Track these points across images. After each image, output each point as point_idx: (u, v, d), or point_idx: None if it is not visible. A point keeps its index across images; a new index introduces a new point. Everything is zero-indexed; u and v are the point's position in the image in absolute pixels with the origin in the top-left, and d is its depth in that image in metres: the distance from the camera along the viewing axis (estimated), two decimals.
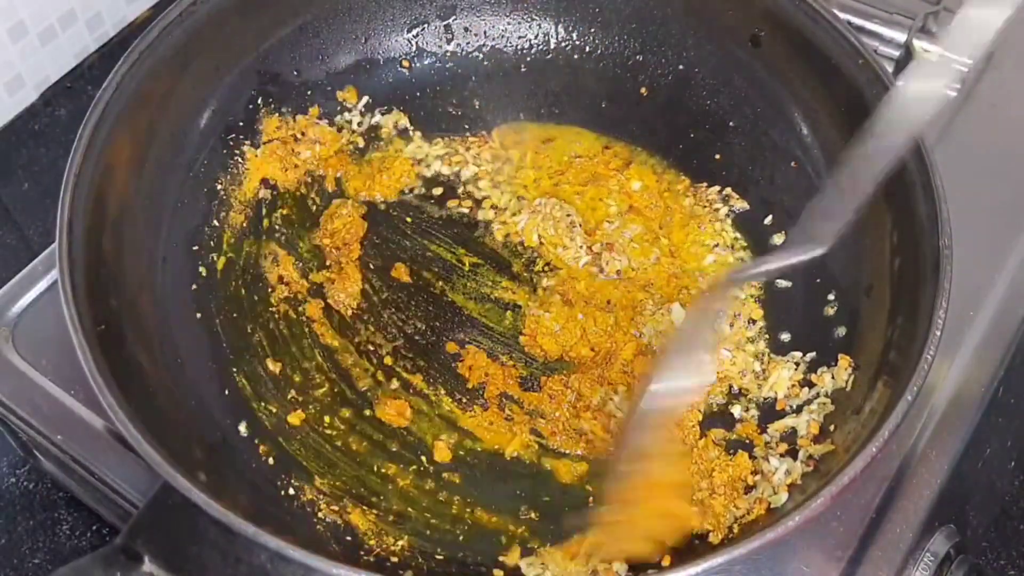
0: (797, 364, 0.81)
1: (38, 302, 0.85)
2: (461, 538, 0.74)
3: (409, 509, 0.75)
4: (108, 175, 0.76)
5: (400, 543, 0.73)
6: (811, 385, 0.79)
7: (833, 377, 0.77)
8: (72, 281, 0.69)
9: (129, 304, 0.75)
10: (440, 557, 0.72)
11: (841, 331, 0.81)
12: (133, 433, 0.63)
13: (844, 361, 0.77)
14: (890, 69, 1.00)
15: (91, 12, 1.01)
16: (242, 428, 0.77)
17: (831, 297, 0.83)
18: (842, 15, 0.86)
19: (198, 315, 0.82)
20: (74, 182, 0.72)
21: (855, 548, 0.73)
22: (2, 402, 0.79)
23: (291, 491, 0.74)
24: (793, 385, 0.79)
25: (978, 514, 0.92)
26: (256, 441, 0.77)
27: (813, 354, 0.81)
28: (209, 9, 0.84)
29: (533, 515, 0.75)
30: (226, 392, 0.79)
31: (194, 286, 0.83)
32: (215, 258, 0.85)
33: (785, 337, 0.83)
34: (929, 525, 0.76)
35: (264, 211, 0.89)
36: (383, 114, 0.95)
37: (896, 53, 1.02)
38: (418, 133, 0.95)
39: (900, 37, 1.02)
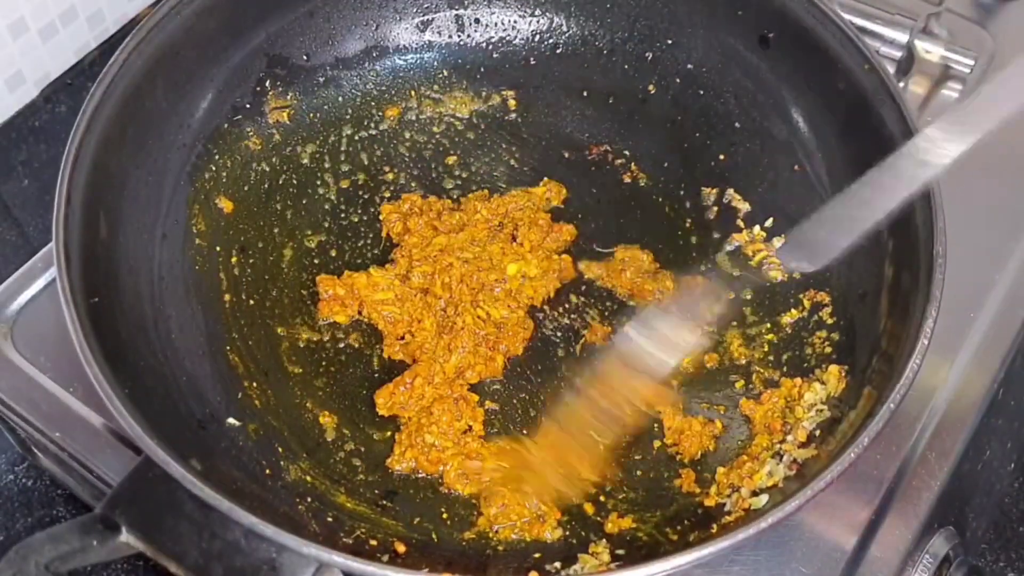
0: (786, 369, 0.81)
1: (37, 299, 0.85)
2: (446, 519, 0.74)
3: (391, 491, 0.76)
4: (109, 151, 0.76)
5: (382, 526, 0.73)
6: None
7: (824, 384, 0.77)
8: (67, 253, 0.69)
9: (125, 278, 0.76)
10: (420, 540, 0.73)
11: (835, 337, 0.81)
12: (117, 405, 0.63)
13: (835, 368, 0.77)
14: (891, 70, 1.00)
15: (92, 9, 1.01)
16: (231, 407, 0.77)
17: (826, 303, 0.83)
18: (845, 16, 0.85)
19: (195, 291, 0.82)
20: (75, 154, 0.73)
21: (854, 549, 0.73)
22: (1, 399, 0.79)
23: (276, 471, 0.74)
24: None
25: (977, 516, 0.92)
26: (244, 420, 0.77)
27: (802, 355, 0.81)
28: None
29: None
30: (218, 369, 0.79)
31: (196, 265, 0.84)
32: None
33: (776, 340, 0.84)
34: (928, 527, 0.76)
35: (268, 188, 0.90)
36: None
37: (898, 54, 1.02)
38: None
39: (902, 38, 1.02)
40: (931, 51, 1.02)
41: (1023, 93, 0.72)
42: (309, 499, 0.73)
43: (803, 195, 0.88)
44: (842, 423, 0.72)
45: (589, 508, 0.75)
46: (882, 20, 1.03)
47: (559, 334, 0.85)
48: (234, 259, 0.86)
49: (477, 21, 0.99)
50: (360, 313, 0.84)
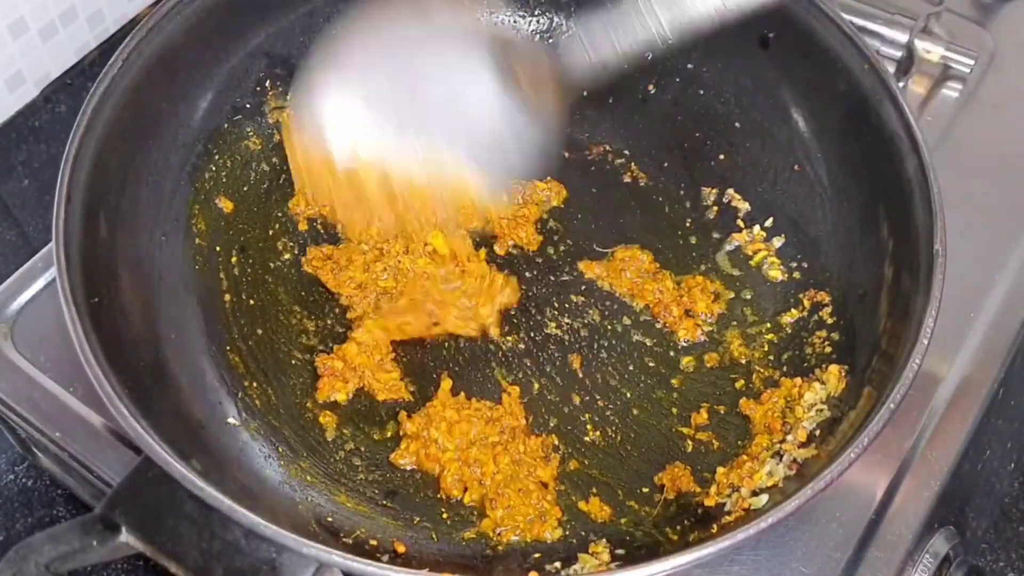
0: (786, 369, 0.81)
1: (37, 299, 0.85)
2: (446, 519, 0.74)
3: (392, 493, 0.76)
4: (109, 151, 0.76)
5: (382, 526, 0.73)
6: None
7: (824, 384, 0.77)
8: (67, 253, 0.69)
9: (125, 278, 0.76)
10: (420, 539, 0.73)
11: (835, 337, 0.81)
12: (117, 405, 0.63)
13: (835, 367, 0.77)
14: (891, 70, 1.00)
15: (92, 9, 1.01)
16: (231, 407, 0.77)
17: (826, 303, 0.83)
18: (845, 15, 0.85)
19: (195, 291, 0.82)
20: (75, 154, 0.73)
21: (854, 549, 0.73)
22: (1, 399, 0.79)
23: (276, 470, 0.74)
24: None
25: (978, 516, 0.92)
26: (244, 420, 0.77)
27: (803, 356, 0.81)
28: None
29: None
30: (218, 369, 0.79)
31: (196, 265, 0.84)
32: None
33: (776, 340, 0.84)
34: (928, 526, 0.76)
35: (268, 188, 0.90)
36: None
37: (898, 54, 1.02)
38: None
39: (902, 38, 1.02)
40: (931, 51, 1.02)
41: None
42: (309, 499, 0.73)
43: (803, 195, 0.88)
44: (842, 423, 0.72)
45: (588, 507, 0.75)
46: (882, 20, 1.03)
47: (559, 334, 0.85)
48: (234, 259, 0.86)
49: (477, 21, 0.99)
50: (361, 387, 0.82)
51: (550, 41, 0.99)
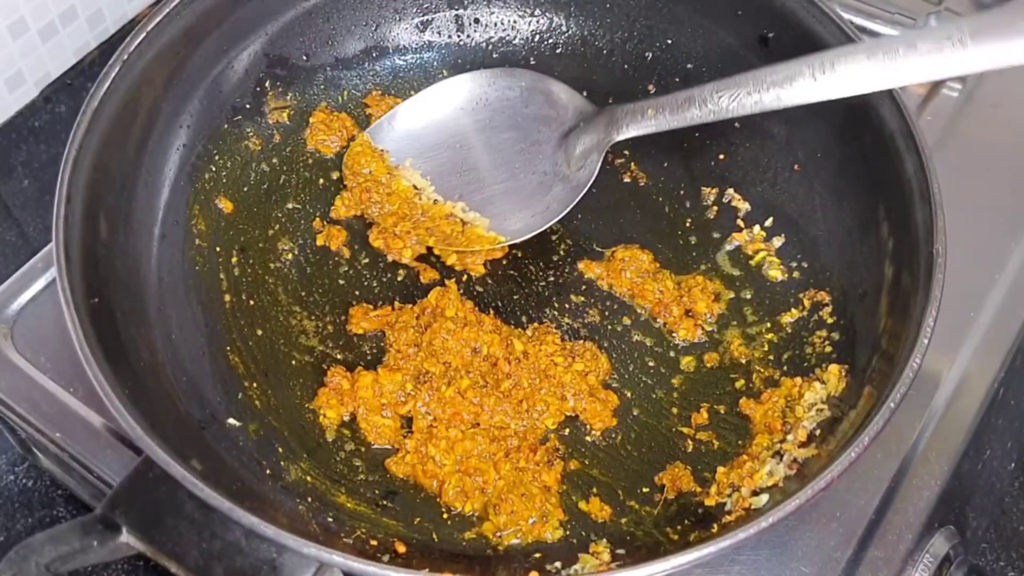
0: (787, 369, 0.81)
1: (37, 299, 0.85)
2: (447, 519, 0.74)
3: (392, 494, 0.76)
4: (109, 151, 0.77)
5: (382, 526, 0.73)
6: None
7: (824, 383, 0.77)
8: (67, 253, 0.69)
9: (125, 278, 0.76)
10: (420, 540, 0.73)
11: (835, 336, 0.81)
12: (117, 405, 0.63)
13: (835, 367, 0.78)
14: None
15: (92, 9, 1.01)
16: (231, 407, 0.77)
17: (826, 302, 0.83)
18: (845, 15, 0.86)
19: (195, 291, 0.82)
20: (75, 154, 0.73)
21: (854, 549, 0.74)
22: (1, 399, 0.79)
23: (276, 471, 0.74)
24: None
25: (978, 515, 0.92)
26: (244, 420, 0.77)
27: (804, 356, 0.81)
28: None
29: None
30: (218, 369, 0.79)
31: (196, 265, 0.84)
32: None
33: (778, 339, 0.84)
34: (929, 526, 0.76)
35: (268, 188, 0.91)
36: None
37: None
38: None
39: None
40: None
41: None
42: (309, 499, 0.73)
43: (803, 195, 0.88)
44: (842, 422, 0.72)
45: (588, 507, 0.75)
46: (882, 20, 1.03)
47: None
48: (234, 259, 0.86)
49: (477, 21, 0.99)
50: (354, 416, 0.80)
51: (550, 41, 0.99)
